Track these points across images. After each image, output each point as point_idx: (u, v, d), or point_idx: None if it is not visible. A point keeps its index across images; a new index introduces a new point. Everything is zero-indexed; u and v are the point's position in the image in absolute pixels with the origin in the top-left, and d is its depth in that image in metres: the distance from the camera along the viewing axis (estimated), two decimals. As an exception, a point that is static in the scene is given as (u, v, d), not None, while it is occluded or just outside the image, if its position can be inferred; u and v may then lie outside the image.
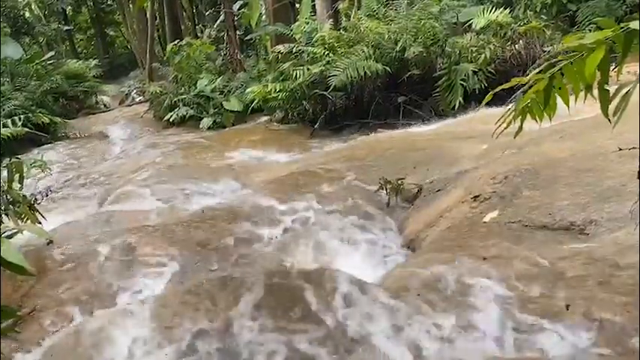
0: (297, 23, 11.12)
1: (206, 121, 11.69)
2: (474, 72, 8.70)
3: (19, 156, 7.37)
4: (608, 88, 2.07)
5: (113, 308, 3.45)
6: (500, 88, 2.28)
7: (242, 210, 4.96)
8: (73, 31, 27.12)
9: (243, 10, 14.97)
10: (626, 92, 1.93)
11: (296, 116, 10.37)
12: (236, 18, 14.87)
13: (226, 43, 13.80)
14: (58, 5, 23.80)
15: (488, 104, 2.69)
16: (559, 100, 2.26)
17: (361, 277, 3.32)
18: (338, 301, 3.02)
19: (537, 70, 2.22)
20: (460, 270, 3.14)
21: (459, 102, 8.55)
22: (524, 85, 2.27)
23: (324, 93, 9.28)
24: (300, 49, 10.00)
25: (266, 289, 3.18)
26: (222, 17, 15.04)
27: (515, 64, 8.93)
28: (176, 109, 12.19)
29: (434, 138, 7.15)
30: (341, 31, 10.63)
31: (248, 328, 2.90)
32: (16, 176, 4.39)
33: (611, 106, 2.05)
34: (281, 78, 10.10)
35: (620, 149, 3.08)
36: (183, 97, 12.40)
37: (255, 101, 10.56)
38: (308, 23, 10.75)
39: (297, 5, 14.89)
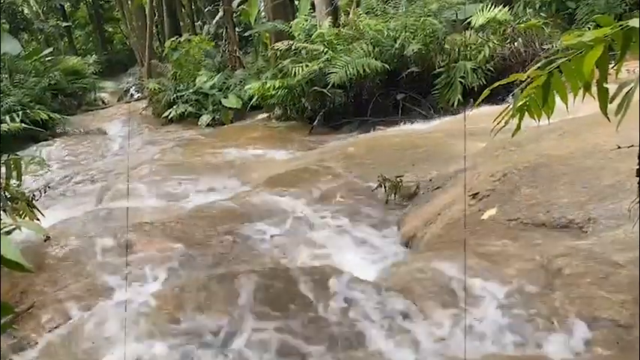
0: (296, 20, 11.11)
1: (205, 118, 11.69)
2: (473, 69, 8.70)
3: (18, 152, 7.37)
4: (607, 86, 2.06)
5: (111, 305, 3.45)
6: (497, 84, 2.28)
7: (240, 207, 4.96)
8: (71, 28, 27.04)
9: (242, 6, 14.95)
10: (628, 91, 1.92)
11: (295, 113, 10.37)
12: (235, 15, 14.84)
13: (225, 40, 13.78)
14: (56, 2, 23.72)
15: (487, 102, 2.68)
16: (558, 98, 2.26)
17: (359, 275, 3.31)
18: (336, 299, 3.02)
19: (536, 66, 2.21)
20: (458, 267, 3.13)
21: (458, 99, 8.55)
22: (523, 82, 2.26)
23: (323, 90, 9.27)
24: (299, 46, 9.99)
25: (264, 286, 3.18)
26: (220, 14, 15.01)
27: (514, 61, 8.93)
28: (175, 106, 12.19)
29: (433, 135, 7.14)
30: (340, 28, 10.62)
31: (246, 326, 2.89)
32: (14, 173, 4.38)
33: (610, 105, 2.04)
34: (280, 75, 10.10)
35: (619, 147, 3.07)
36: (181, 93, 12.40)
37: (254, 98, 10.56)
38: (307, 20, 10.74)
39: (297, 2, 14.86)
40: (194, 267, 3.93)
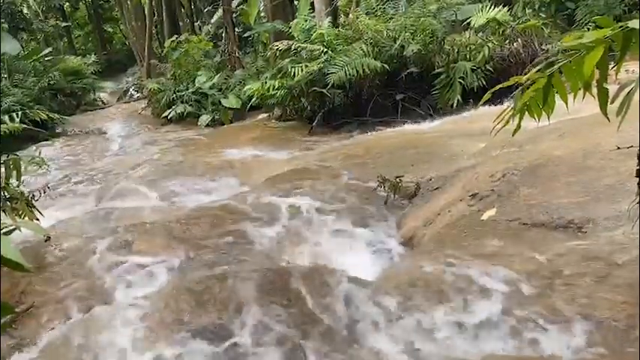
0: (295, 21, 11.11)
1: (204, 118, 11.70)
2: (473, 70, 8.71)
3: (17, 152, 7.36)
4: (607, 86, 2.07)
5: (111, 305, 3.45)
6: (499, 86, 2.28)
7: (240, 207, 4.96)
8: (70, 28, 27.04)
9: (241, 7, 14.95)
10: (629, 91, 1.93)
11: (294, 113, 10.37)
12: (234, 15, 14.85)
13: (224, 40, 13.79)
14: (55, 1, 23.71)
15: (487, 102, 2.69)
16: (559, 99, 2.26)
17: (359, 275, 3.32)
18: (335, 299, 3.02)
19: (536, 68, 2.21)
20: (458, 268, 3.14)
21: (458, 100, 8.55)
22: (523, 84, 2.27)
23: (323, 90, 9.27)
24: (298, 47, 10.00)
25: (264, 286, 3.18)
26: (219, 13, 15.01)
27: (513, 62, 8.94)
28: (174, 106, 12.20)
29: (432, 136, 7.16)
30: (339, 28, 10.62)
31: (245, 326, 2.90)
32: (14, 173, 4.38)
33: (610, 105, 2.05)
34: (279, 75, 10.09)
35: (619, 148, 3.08)
36: (181, 93, 12.41)
37: (254, 98, 10.56)
38: (306, 20, 10.74)
39: (296, 2, 14.86)
40: (194, 267, 3.94)
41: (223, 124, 11.53)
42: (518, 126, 2.38)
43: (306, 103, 9.92)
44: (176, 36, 14.14)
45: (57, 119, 12.61)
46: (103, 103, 17.23)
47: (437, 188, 4.84)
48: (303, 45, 9.94)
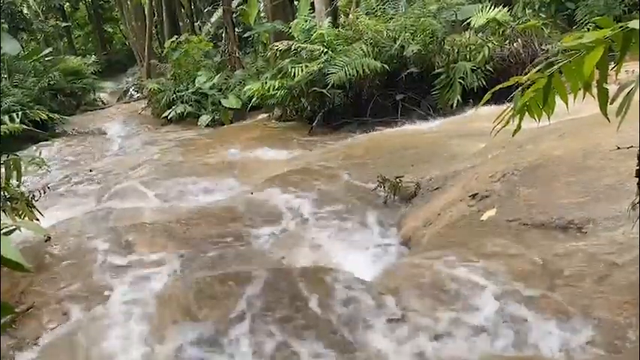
0: (295, 21, 11.12)
1: (204, 119, 11.70)
2: (473, 70, 8.71)
3: (17, 153, 7.37)
4: (607, 87, 2.07)
5: (111, 305, 3.45)
6: (499, 87, 2.29)
7: (240, 208, 4.96)
8: (70, 28, 27.05)
9: (241, 7, 14.95)
10: (629, 92, 1.93)
11: (294, 114, 10.38)
12: (234, 15, 14.86)
13: (224, 41, 13.79)
14: (55, 1, 23.71)
15: (487, 102, 2.69)
16: (559, 99, 2.26)
17: (359, 275, 3.32)
18: (335, 299, 3.02)
19: (536, 68, 2.22)
20: (458, 268, 3.14)
21: (458, 100, 8.56)
22: (523, 84, 2.27)
23: (323, 90, 9.27)
24: (298, 47, 10.00)
25: (264, 287, 3.18)
26: (219, 13, 15.01)
27: (513, 62, 8.95)
28: (174, 106, 12.20)
29: (432, 136, 7.16)
30: (339, 28, 10.63)
31: (246, 326, 2.90)
32: (14, 173, 4.38)
33: (610, 106, 2.05)
34: (279, 75, 10.10)
35: (619, 148, 3.08)
36: (181, 94, 12.41)
37: (254, 98, 10.56)
38: (306, 21, 10.75)
39: (296, 3, 14.86)
40: (194, 267, 3.94)
41: (223, 125, 11.54)
42: (519, 126, 2.38)
43: (306, 103, 9.92)
44: (176, 36, 14.15)
45: (57, 119, 12.62)
46: (103, 103, 17.24)
47: (437, 188, 4.84)
48: (303, 45, 9.94)
